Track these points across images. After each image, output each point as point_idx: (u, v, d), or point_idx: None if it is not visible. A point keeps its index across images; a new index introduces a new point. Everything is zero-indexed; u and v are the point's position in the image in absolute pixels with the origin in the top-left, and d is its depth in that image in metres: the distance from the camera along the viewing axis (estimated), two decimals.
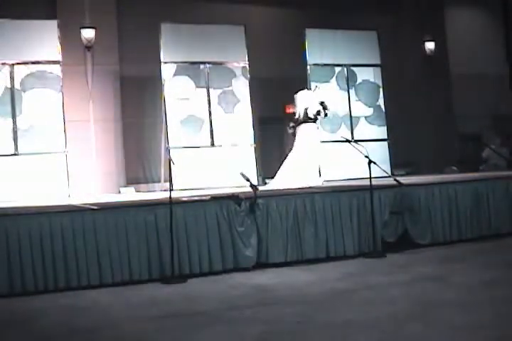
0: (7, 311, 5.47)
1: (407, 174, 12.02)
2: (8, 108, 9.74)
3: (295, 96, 9.50)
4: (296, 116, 9.34)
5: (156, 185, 11.20)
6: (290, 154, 9.24)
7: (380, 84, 12.43)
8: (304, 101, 9.33)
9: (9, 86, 9.79)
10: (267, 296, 5.61)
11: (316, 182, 8.97)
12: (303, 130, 9.21)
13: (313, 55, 11.90)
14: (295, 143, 9.28)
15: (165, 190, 9.22)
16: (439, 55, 14.13)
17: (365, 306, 5.02)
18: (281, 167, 9.19)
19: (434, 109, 13.75)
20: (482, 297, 5.12)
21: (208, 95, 10.95)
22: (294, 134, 9.35)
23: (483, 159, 12.75)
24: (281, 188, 8.20)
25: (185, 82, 10.87)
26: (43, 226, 6.07)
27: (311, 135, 9.23)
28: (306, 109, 9.20)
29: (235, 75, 11.29)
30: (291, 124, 9.38)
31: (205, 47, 10.99)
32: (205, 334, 4.47)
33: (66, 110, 10.10)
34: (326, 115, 9.33)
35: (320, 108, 9.19)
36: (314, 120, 9.27)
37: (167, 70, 10.74)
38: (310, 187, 8.35)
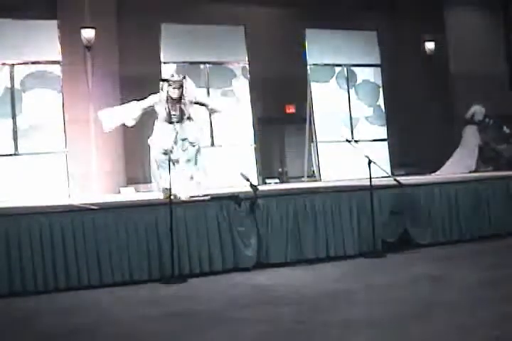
0: (7, 311, 5.47)
1: (407, 174, 12.02)
2: (8, 108, 9.74)
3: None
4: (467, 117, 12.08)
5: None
6: (458, 148, 12.07)
7: (380, 84, 12.43)
8: (473, 108, 12.02)
9: (9, 86, 9.79)
10: (267, 296, 5.60)
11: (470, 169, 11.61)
12: (467, 130, 11.98)
13: (313, 55, 11.90)
14: (462, 140, 12.06)
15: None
16: (439, 55, 14.13)
17: (365, 306, 5.02)
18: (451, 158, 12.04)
19: (434, 109, 13.75)
20: (482, 297, 5.12)
21: (208, 95, 10.94)
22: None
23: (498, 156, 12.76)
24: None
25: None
26: (43, 226, 6.07)
27: (471, 135, 11.89)
28: (472, 115, 11.93)
29: (235, 75, 11.29)
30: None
31: (205, 47, 10.99)
32: (205, 334, 4.48)
33: (66, 110, 10.10)
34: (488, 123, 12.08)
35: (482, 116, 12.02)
36: (476, 124, 11.92)
37: (167, 70, 10.73)
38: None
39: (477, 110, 12.06)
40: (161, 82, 7.46)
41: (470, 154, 11.91)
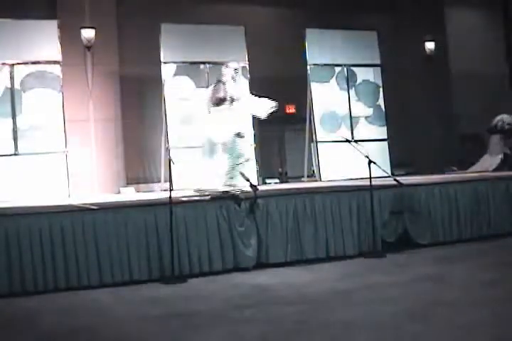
0: (7, 311, 5.47)
1: (407, 174, 12.02)
2: (8, 108, 9.73)
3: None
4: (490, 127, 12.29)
5: (156, 185, 11.19)
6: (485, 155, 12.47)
7: (380, 84, 12.43)
8: (499, 116, 12.07)
9: (9, 86, 9.78)
10: (267, 296, 5.61)
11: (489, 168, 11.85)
12: (492, 139, 12.17)
13: (313, 55, 11.89)
14: (488, 148, 12.34)
15: (165, 190, 9.23)
16: (439, 55, 14.13)
17: (365, 306, 5.02)
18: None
19: (434, 109, 13.75)
20: (482, 297, 5.12)
21: None
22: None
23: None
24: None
25: (185, 82, 10.86)
26: (43, 226, 6.07)
27: (495, 143, 12.11)
28: (497, 122, 12.04)
29: None
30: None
31: (205, 47, 10.98)
32: (205, 334, 4.47)
33: (66, 110, 10.09)
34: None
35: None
36: (499, 132, 12.03)
37: (167, 70, 10.73)
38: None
39: (499, 118, 12.07)
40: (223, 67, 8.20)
41: (493, 159, 12.06)
